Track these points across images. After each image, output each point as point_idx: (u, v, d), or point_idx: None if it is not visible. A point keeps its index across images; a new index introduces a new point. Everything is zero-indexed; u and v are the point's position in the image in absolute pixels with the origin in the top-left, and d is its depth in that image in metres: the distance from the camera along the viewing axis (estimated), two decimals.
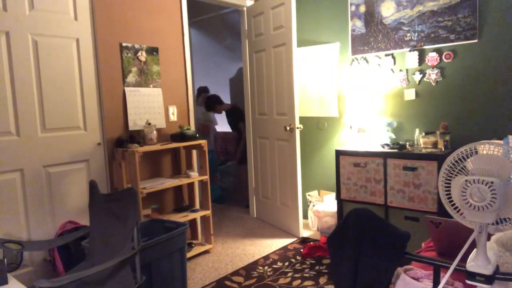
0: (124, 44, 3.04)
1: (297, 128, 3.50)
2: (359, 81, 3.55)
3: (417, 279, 1.53)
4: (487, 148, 1.13)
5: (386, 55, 3.37)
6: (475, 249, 1.15)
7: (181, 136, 3.15)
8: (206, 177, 3.32)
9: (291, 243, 3.51)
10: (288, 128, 3.53)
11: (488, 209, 1.09)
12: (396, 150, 3.02)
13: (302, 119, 3.86)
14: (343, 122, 3.69)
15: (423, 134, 3.11)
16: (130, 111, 3.08)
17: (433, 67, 3.13)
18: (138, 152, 2.81)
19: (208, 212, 3.37)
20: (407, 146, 3.11)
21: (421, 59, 3.19)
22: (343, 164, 3.27)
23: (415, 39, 3.20)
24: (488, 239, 1.43)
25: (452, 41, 3.02)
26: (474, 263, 1.12)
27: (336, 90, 3.73)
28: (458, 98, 3.06)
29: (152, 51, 3.23)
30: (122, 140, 2.96)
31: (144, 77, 3.19)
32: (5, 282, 1.61)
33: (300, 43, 3.86)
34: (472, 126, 3.01)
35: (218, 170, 5.33)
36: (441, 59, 3.10)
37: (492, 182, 1.07)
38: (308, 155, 4.01)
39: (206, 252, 3.38)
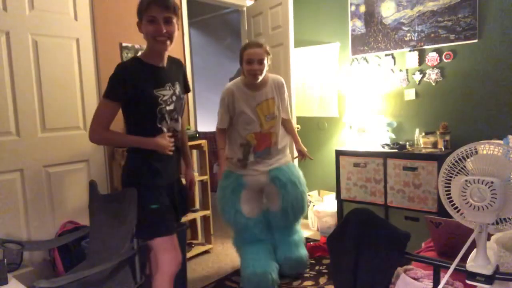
0: (124, 44, 3.04)
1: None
2: (359, 81, 3.55)
3: (417, 279, 1.54)
4: (487, 148, 1.13)
5: (386, 55, 3.37)
6: (475, 249, 1.15)
7: None
8: (206, 177, 3.32)
9: None
10: None
11: (488, 209, 1.09)
12: (396, 150, 3.02)
13: (302, 119, 3.86)
14: (343, 122, 3.69)
15: (423, 134, 3.11)
16: None
17: (433, 67, 3.13)
18: None
19: (208, 212, 3.37)
20: (407, 146, 3.11)
21: (421, 59, 3.19)
22: (343, 164, 3.27)
23: (415, 39, 3.20)
24: (488, 239, 1.44)
25: (452, 41, 3.02)
26: (474, 263, 1.12)
27: (336, 90, 3.72)
28: (458, 98, 3.06)
29: None
30: None
31: None
32: (5, 282, 1.61)
33: (300, 43, 3.85)
34: (472, 126, 3.01)
35: None
36: (441, 59, 3.10)
37: (492, 182, 1.07)
38: None
39: (206, 252, 3.38)
